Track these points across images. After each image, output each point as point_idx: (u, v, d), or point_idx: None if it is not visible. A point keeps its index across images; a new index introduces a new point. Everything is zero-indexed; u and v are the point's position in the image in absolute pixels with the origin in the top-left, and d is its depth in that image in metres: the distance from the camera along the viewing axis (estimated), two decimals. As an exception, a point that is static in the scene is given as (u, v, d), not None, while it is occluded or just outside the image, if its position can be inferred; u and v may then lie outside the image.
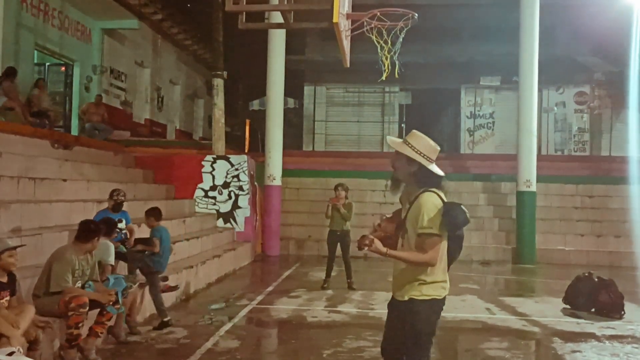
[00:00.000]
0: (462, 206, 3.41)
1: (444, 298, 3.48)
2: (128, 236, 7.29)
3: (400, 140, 3.54)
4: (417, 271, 3.42)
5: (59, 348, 4.98)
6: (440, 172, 3.46)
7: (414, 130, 3.57)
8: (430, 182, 3.45)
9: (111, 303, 5.20)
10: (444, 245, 3.41)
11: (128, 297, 6.04)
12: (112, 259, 5.86)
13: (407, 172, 3.48)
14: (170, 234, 9.79)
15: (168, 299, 7.76)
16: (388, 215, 3.77)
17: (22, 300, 4.74)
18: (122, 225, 7.24)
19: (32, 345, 4.32)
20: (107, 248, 5.89)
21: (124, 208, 7.54)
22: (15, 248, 4.63)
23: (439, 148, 3.51)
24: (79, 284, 5.20)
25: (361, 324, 7.26)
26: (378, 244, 3.30)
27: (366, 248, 3.30)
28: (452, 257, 3.50)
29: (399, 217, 3.62)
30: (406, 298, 3.45)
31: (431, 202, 3.37)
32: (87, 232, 5.27)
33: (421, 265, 3.39)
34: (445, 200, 3.43)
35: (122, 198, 7.38)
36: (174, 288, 7.45)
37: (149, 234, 6.86)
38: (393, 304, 3.60)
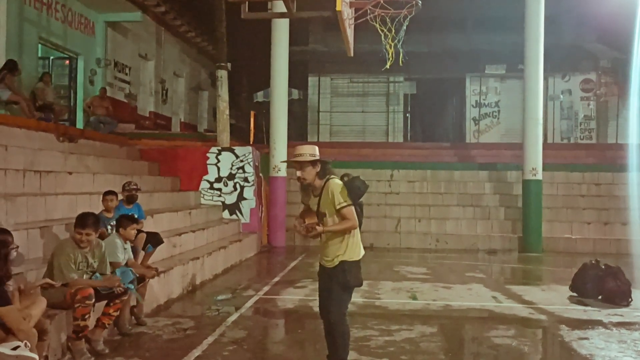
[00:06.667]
0: (359, 177, 4.51)
1: (360, 259, 4.59)
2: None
3: (291, 159, 4.56)
4: (340, 245, 4.49)
5: (67, 339, 5.01)
6: (327, 159, 4.59)
7: (297, 146, 4.60)
8: (328, 171, 4.55)
9: (119, 288, 5.23)
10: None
11: (139, 290, 6.05)
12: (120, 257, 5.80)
13: (314, 174, 4.50)
14: (176, 226, 9.93)
15: (175, 290, 7.81)
16: (304, 211, 4.65)
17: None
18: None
19: (40, 336, 4.32)
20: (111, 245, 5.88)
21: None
22: None
23: (316, 146, 4.59)
24: (86, 277, 5.21)
25: (367, 313, 7.26)
26: (319, 228, 4.39)
27: (315, 231, 4.36)
28: (360, 220, 4.53)
29: (311, 211, 4.56)
30: (337, 263, 4.49)
31: (336, 184, 4.46)
32: (75, 224, 5.28)
33: (349, 229, 4.47)
34: (339, 178, 4.51)
35: (135, 187, 7.36)
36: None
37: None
38: (322, 271, 4.65)
